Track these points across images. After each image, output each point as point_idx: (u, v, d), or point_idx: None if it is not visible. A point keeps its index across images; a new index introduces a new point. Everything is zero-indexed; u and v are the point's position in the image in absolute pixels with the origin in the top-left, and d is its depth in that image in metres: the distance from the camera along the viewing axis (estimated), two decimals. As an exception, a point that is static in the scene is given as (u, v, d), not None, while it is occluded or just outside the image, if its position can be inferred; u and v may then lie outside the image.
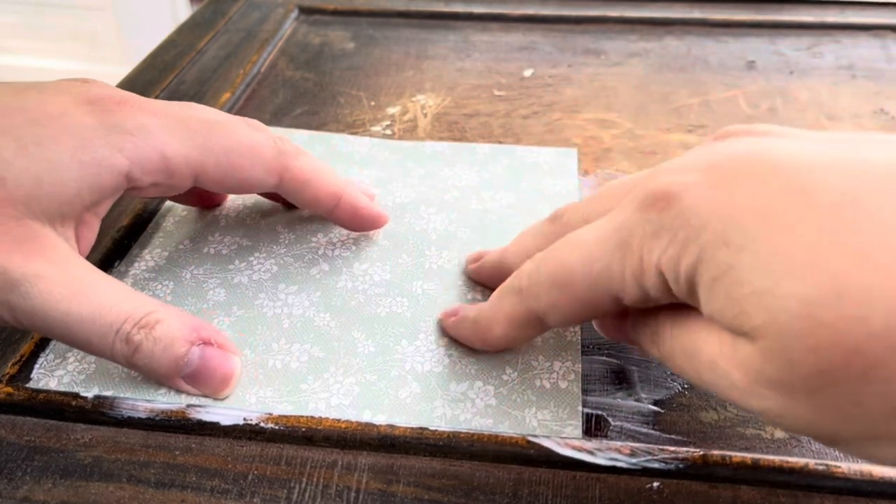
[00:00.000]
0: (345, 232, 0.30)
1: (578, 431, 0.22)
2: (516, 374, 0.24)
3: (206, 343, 0.23)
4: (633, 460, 0.21)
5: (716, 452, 0.21)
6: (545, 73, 0.43)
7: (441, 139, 0.36)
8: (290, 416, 0.22)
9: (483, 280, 0.27)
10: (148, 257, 0.29)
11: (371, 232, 0.30)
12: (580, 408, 0.23)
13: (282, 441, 0.22)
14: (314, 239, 0.30)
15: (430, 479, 0.21)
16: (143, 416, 0.23)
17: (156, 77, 0.42)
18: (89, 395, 0.23)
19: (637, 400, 0.23)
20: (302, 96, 0.40)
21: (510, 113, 0.39)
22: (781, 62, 0.43)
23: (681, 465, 0.21)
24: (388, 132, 0.37)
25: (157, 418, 0.23)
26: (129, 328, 0.22)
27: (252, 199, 0.32)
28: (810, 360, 0.14)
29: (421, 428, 0.22)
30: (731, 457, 0.21)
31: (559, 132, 0.37)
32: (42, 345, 0.25)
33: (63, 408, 0.23)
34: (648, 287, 0.18)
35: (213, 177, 0.25)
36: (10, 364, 0.24)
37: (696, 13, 0.48)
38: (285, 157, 0.26)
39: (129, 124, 0.23)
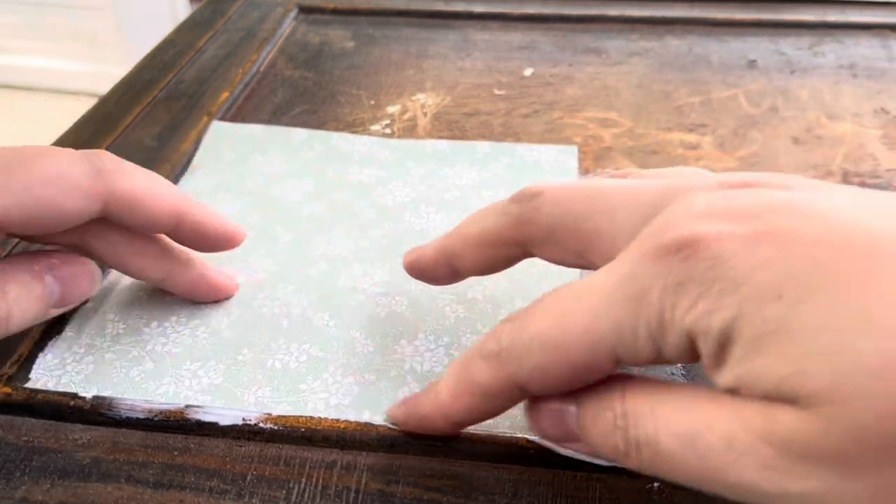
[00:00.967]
0: (344, 232, 0.30)
1: (579, 431, 0.22)
2: (516, 373, 0.24)
3: (53, 270, 0.23)
4: (634, 460, 0.21)
5: (717, 453, 0.21)
6: (545, 72, 0.43)
7: (441, 138, 0.36)
8: (289, 416, 0.22)
9: (422, 272, 0.24)
10: (147, 257, 0.29)
11: (370, 232, 0.30)
12: None
13: (281, 441, 0.22)
14: (313, 239, 0.30)
15: (429, 479, 0.21)
16: (141, 416, 0.23)
17: (155, 76, 0.42)
18: (88, 395, 0.23)
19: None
20: (301, 95, 0.40)
21: (510, 112, 0.39)
22: (783, 61, 0.43)
23: (681, 466, 0.21)
24: (388, 131, 0.37)
25: (156, 419, 0.23)
26: None
27: (249, 198, 0.32)
28: (888, 427, 0.12)
29: (420, 428, 0.22)
30: (732, 457, 0.21)
31: (560, 131, 0.37)
32: (41, 345, 0.25)
33: (61, 408, 0.23)
34: (667, 347, 0.16)
35: (19, 219, 0.21)
36: (8, 364, 0.24)
37: (697, 12, 0.48)
38: (107, 177, 0.23)
39: None
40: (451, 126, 0.37)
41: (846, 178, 0.33)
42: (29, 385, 0.24)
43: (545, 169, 0.34)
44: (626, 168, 0.24)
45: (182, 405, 0.23)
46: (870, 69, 0.42)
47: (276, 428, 0.22)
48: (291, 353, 0.25)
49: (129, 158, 0.34)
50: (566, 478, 0.21)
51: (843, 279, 0.13)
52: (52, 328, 0.26)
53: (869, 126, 0.37)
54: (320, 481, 0.21)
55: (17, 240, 0.29)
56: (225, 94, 0.39)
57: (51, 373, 0.24)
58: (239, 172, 0.34)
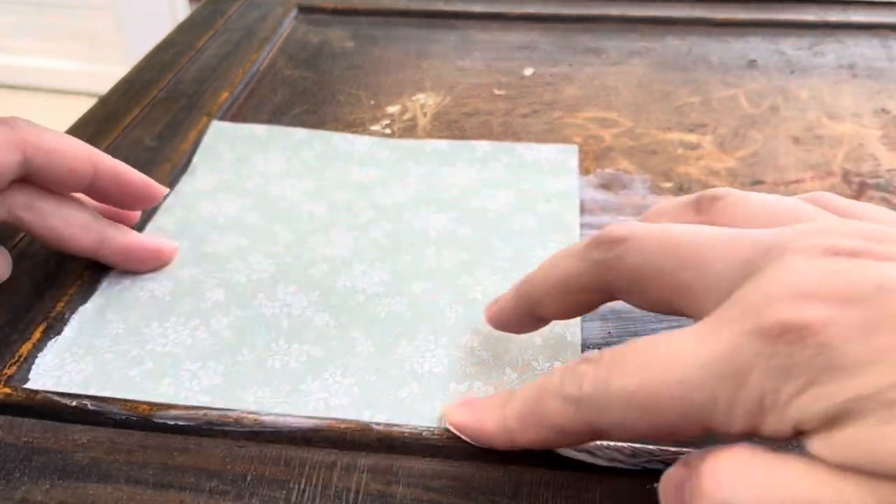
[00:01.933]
0: (344, 232, 0.30)
1: (579, 432, 0.22)
2: (516, 374, 0.24)
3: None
4: (634, 461, 0.21)
5: (717, 453, 0.21)
6: (545, 71, 0.43)
7: (441, 138, 0.36)
8: (289, 417, 0.22)
9: (506, 324, 0.23)
10: (146, 257, 0.29)
11: (370, 232, 0.30)
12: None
13: (281, 442, 0.22)
14: (313, 239, 0.30)
15: (429, 479, 0.21)
16: (140, 417, 0.23)
17: (155, 76, 0.42)
18: (87, 395, 0.23)
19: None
20: (301, 95, 0.40)
21: (510, 112, 0.39)
22: (783, 61, 0.43)
23: (682, 466, 0.21)
24: (388, 131, 0.37)
25: (155, 419, 0.22)
26: None
27: (249, 199, 0.32)
28: None
29: (421, 428, 0.22)
30: (732, 457, 0.21)
31: (559, 131, 0.37)
32: (40, 345, 0.25)
33: (61, 408, 0.23)
34: (766, 427, 0.15)
35: None
36: (7, 364, 0.24)
37: (698, 12, 0.48)
38: (21, 131, 0.24)
39: None
40: (450, 126, 0.37)
41: (846, 178, 0.33)
42: (28, 385, 0.23)
43: (545, 168, 0.34)
44: (717, 189, 0.22)
45: (182, 405, 0.23)
46: (870, 69, 0.42)
47: (275, 428, 0.22)
48: (291, 353, 0.25)
49: (129, 158, 0.34)
50: (566, 478, 0.21)
51: None
52: (51, 329, 0.26)
53: (869, 126, 0.37)
54: (320, 482, 0.21)
55: None
56: (225, 94, 0.39)
57: (50, 373, 0.24)
58: (239, 172, 0.34)
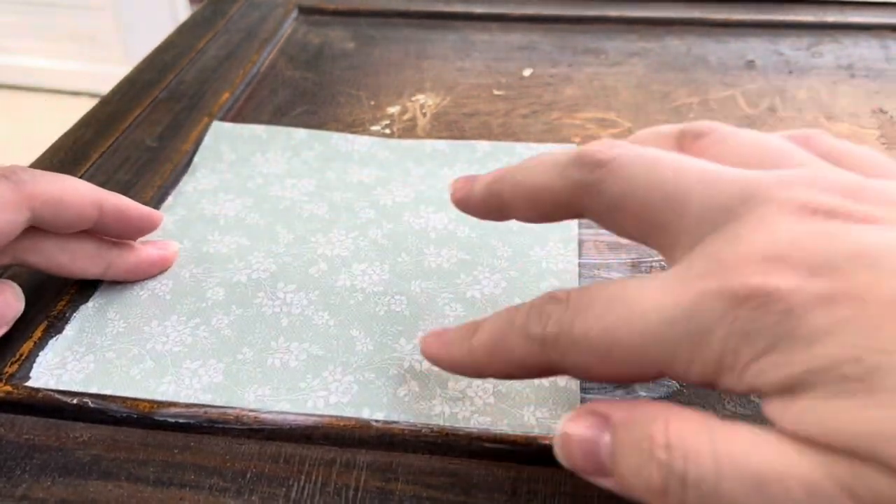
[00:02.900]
0: (344, 231, 0.30)
1: (577, 430, 0.22)
2: (515, 372, 0.24)
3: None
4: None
5: (714, 451, 0.21)
6: (545, 72, 0.43)
7: (440, 139, 0.36)
8: (289, 414, 0.23)
9: (471, 209, 0.23)
10: (147, 256, 0.29)
11: (370, 231, 0.30)
12: (579, 405, 0.23)
13: (280, 439, 0.22)
14: (313, 238, 0.30)
15: (428, 476, 0.21)
16: (141, 414, 0.23)
17: (155, 77, 0.42)
18: (88, 393, 0.23)
19: (636, 398, 0.23)
20: (301, 96, 0.40)
21: (510, 112, 0.39)
22: (781, 62, 0.43)
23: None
24: (388, 132, 0.37)
25: (156, 416, 0.23)
26: None
27: (249, 198, 0.32)
28: None
29: (419, 426, 0.22)
30: (729, 455, 0.21)
31: (559, 132, 0.37)
32: (41, 344, 0.25)
33: (62, 406, 0.23)
34: (722, 384, 0.15)
35: None
36: (9, 363, 0.24)
37: (696, 13, 0.48)
38: (25, 185, 0.24)
39: None
40: (450, 126, 0.38)
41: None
42: (30, 384, 0.24)
43: (544, 169, 0.34)
44: (703, 123, 0.21)
45: (182, 403, 0.23)
46: (868, 70, 0.42)
47: (275, 426, 0.22)
48: (291, 351, 0.25)
49: (129, 159, 0.34)
50: (565, 476, 0.21)
51: None
52: (52, 327, 0.26)
53: (867, 126, 0.37)
54: (320, 479, 0.21)
55: None
56: (225, 95, 0.39)
57: (51, 371, 0.24)
58: (239, 172, 0.34)
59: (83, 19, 1.64)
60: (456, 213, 0.31)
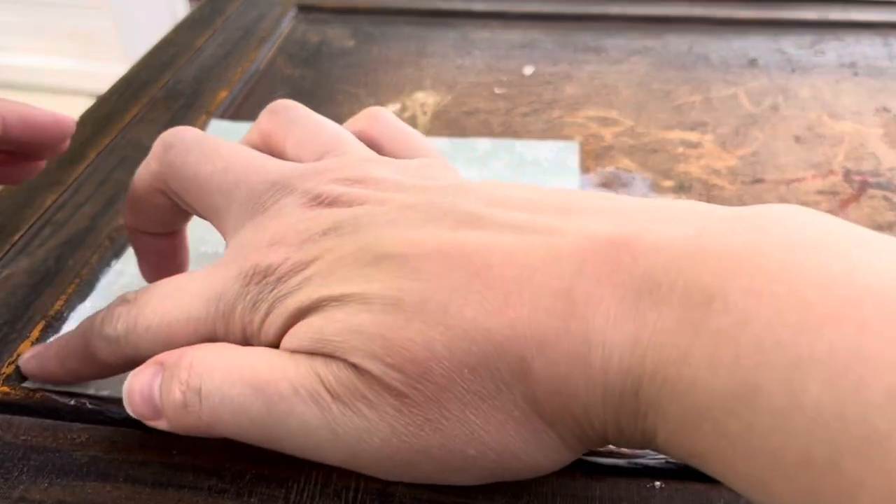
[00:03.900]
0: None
1: (579, 431, 0.22)
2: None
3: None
4: (634, 460, 0.21)
5: (718, 452, 0.21)
6: (546, 70, 0.42)
7: (440, 137, 0.36)
8: (289, 416, 0.22)
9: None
10: (145, 255, 0.29)
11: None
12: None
13: (280, 440, 0.22)
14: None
15: (429, 478, 0.21)
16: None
17: (154, 75, 0.42)
18: (86, 394, 0.23)
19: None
20: (300, 94, 0.40)
21: (510, 111, 0.38)
22: (783, 60, 0.43)
23: (681, 465, 0.21)
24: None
25: (155, 418, 0.22)
26: None
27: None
28: (392, 374, 0.17)
29: (420, 427, 0.22)
30: (733, 456, 0.21)
31: (560, 130, 0.37)
32: (39, 344, 0.25)
33: (59, 407, 0.23)
34: (254, 343, 0.19)
35: None
36: (6, 363, 0.24)
37: (698, 10, 0.48)
38: None
39: None
40: (450, 125, 0.37)
41: (847, 177, 0.33)
42: (27, 384, 0.23)
43: (545, 166, 0.34)
44: (278, 102, 0.24)
45: (181, 404, 0.23)
46: (871, 68, 0.42)
47: (275, 427, 0.22)
48: (291, 352, 0.25)
49: (127, 157, 0.34)
50: (566, 478, 0.21)
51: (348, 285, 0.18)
52: (50, 327, 0.25)
53: (870, 125, 0.37)
54: (319, 480, 0.21)
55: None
56: (224, 94, 0.39)
57: (49, 372, 0.24)
58: (238, 171, 0.33)
59: (81, 18, 1.63)
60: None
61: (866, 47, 0.44)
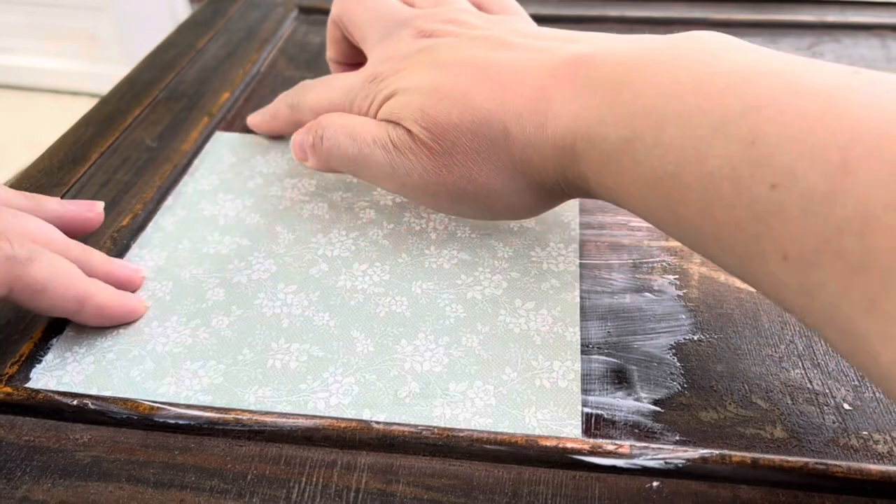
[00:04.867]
0: (344, 232, 0.30)
1: (578, 431, 0.22)
2: (516, 373, 0.24)
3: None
4: (633, 460, 0.21)
5: (715, 452, 0.21)
6: (545, 72, 0.43)
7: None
8: (290, 416, 0.22)
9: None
10: (147, 257, 0.29)
11: (370, 232, 0.30)
12: (580, 407, 0.23)
13: (281, 441, 0.22)
14: (314, 239, 0.30)
15: (429, 478, 0.21)
16: (141, 416, 0.23)
17: (155, 77, 0.42)
18: (88, 394, 0.23)
19: (637, 399, 0.23)
20: (301, 96, 0.40)
21: (510, 112, 0.39)
22: (781, 61, 0.43)
23: (680, 465, 0.21)
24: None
25: (156, 418, 0.23)
26: None
27: (249, 199, 0.32)
28: (425, 133, 0.26)
29: (420, 427, 0.22)
30: (730, 456, 0.21)
31: (559, 132, 0.37)
32: (41, 345, 0.25)
33: (62, 408, 0.23)
34: (370, 115, 0.29)
35: None
36: (9, 364, 0.24)
37: (697, 13, 0.48)
38: (14, 264, 0.23)
39: None
40: (450, 126, 0.37)
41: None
42: (30, 385, 0.24)
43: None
44: None
45: (182, 404, 0.23)
46: (868, 69, 0.42)
47: (276, 427, 0.22)
48: (292, 352, 0.25)
49: (129, 158, 0.34)
50: (565, 477, 0.21)
51: (414, 76, 0.27)
52: (52, 328, 0.26)
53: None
54: (320, 481, 0.21)
55: None
56: (225, 95, 0.39)
57: (51, 372, 0.24)
58: (239, 172, 0.34)
59: (83, 19, 1.63)
60: (456, 213, 0.31)
61: (864, 49, 0.44)
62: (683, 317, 0.26)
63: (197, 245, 0.29)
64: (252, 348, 0.25)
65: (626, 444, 0.21)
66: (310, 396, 0.23)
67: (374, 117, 0.28)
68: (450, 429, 0.22)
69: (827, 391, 0.24)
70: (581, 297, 0.27)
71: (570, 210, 0.31)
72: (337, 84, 0.31)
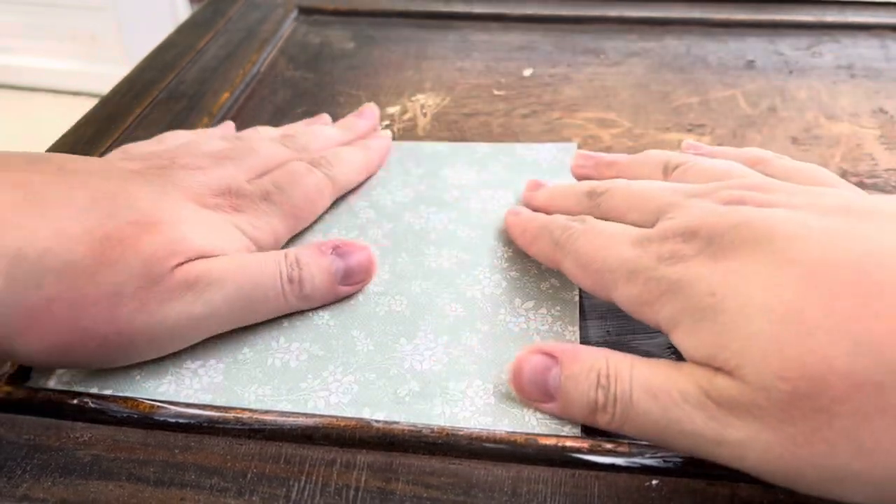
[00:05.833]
0: (344, 231, 0.30)
1: (577, 429, 0.22)
2: (515, 372, 0.24)
3: (336, 249, 0.27)
4: (632, 458, 0.21)
5: (714, 450, 0.21)
6: (545, 72, 0.43)
7: (440, 139, 0.36)
8: (290, 414, 0.23)
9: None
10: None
11: (370, 232, 0.30)
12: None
13: (281, 439, 0.22)
14: (313, 239, 0.30)
15: (428, 477, 0.21)
16: (142, 414, 0.23)
17: (156, 77, 0.42)
18: (89, 393, 0.23)
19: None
20: (301, 96, 0.40)
21: (510, 112, 0.39)
22: (781, 62, 0.43)
23: (679, 463, 0.21)
24: (388, 132, 0.37)
25: (157, 416, 0.23)
26: (287, 270, 0.25)
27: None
28: (782, 386, 0.17)
29: (420, 426, 0.22)
30: (729, 455, 0.21)
31: (559, 131, 0.37)
32: (42, 343, 0.25)
33: (62, 406, 0.23)
34: (643, 315, 0.22)
35: None
36: (9, 363, 0.24)
37: (696, 13, 0.48)
38: (335, 181, 0.31)
39: None
40: (450, 126, 0.38)
41: (844, 178, 0.33)
42: (30, 383, 0.24)
43: (544, 168, 0.34)
44: (684, 156, 0.28)
45: (183, 402, 0.23)
46: (868, 69, 0.42)
47: (276, 426, 0.22)
48: (292, 351, 0.25)
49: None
50: (565, 476, 0.21)
51: (755, 281, 0.19)
52: (53, 327, 0.26)
53: (867, 126, 0.37)
54: (320, 479, 0.21)
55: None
56: (225, 95, 0.39)
57: (52, 371, 0.24)
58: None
59: (83, 19, 1.63)
60: (456, 213, 0.31)
61: (863, 49, 0.44)
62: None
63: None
64: (252, 347, 0.25)
65: (625, 443, 0.22)
66: (310, 395, 0.23)
67: (663, 328, 0.21)
68: (449, 427, 0.22)
69: (825, 390, 0.24)
70: (580, 297, 0.27)
71: (569, 209, 0.31)
72: (616, 245, 0.23)
